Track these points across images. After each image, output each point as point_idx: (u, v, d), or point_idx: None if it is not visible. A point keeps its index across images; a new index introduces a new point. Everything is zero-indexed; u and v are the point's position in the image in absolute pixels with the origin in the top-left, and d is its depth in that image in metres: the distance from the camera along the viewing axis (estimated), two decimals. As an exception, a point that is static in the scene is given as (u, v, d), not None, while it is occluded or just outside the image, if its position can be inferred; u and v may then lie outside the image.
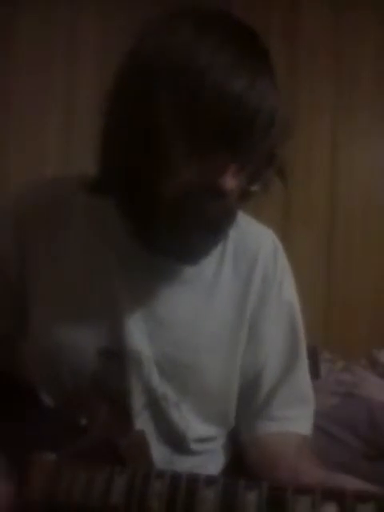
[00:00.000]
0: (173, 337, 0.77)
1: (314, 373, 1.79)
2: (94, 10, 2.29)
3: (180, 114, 0.60)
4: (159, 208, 0.66)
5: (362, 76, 2.39)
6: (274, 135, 0.64)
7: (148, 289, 0.77)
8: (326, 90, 2.40)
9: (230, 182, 0.63)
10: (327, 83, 2.39)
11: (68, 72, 2.27)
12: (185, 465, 0.80)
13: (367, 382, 1.72)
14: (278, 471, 0.76)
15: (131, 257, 0.76)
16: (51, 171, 2.18)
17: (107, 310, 0.75)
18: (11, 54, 2.20)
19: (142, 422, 0.77)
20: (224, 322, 0.80)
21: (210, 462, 0.85)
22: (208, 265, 0.79)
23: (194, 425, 0.80)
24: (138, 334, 0.75)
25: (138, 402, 0.76)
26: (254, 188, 0.68)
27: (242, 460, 0.84)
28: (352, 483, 0.60)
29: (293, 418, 0.83)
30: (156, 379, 0.77)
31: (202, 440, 0.82)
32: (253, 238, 0.84)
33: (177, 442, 0.80)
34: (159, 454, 0.76)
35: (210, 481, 0.52)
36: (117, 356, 0.75)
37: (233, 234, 0.79)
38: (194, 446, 0.81)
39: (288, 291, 0.85)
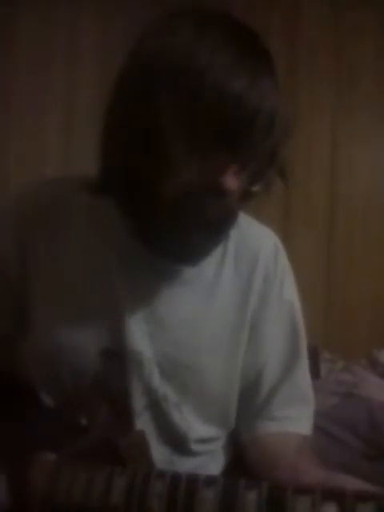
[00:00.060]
0: (173, 337, 0.77)
1: (314, 373, 1.79)
2: (93, 10, 2.29)
3: (180, 114, 0.60)
4: (159, 208, 0.66)
5: (361, 76, 2.39)
6: (274, 135, 0.64)
7: (149, 289, 0.77)
8: (325, 90, 2.40)
9: (231, 182, 0.63)
10: (327, 83, 2.39)
11: (68, 72, 2.27)
12: (185, 465, 0.80)
13: (367, 382, 1.72)
14: (278, 471, 0.76)
15: (132, 257, 0.76)
16: (51, 171, 2.18)
17: (108, 310, 0.75)
18: (11, 54, 2.20)
19: (143, 422, 0.77)
20: (225, 322, 0.80)
21: (211, 463, 0.85)
22: (209, 265, 0.79)
23: (194, 425, 0.80)
24: (138, 334, 0.75)
25: (138, 402, 0.76)
26: (255, 188, 0.68)
27: (243, 460, 0.84)
28: (352, 483, 0.60)
29: (293, 418, 0.83)
30: (157, 380, 0.77)
31: (202, 441, 0.82)
32: (254, 238, 0.84)
33: (177, 442, 0.80)
34: (160, 454, 0.76)
35: (209, 481, 0.52)
36: (117, 356, 0.75)
37: (234, 234, 0.79)
38: (194, 447, 0.81)
39: (289, 291, 0.85)
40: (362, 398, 1.59)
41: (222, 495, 0.50)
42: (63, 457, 0.65)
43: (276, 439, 0.81)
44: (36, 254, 0.76)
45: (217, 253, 0.78)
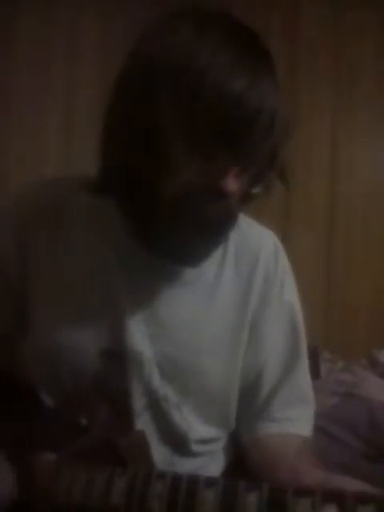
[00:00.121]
0: (174, 338, 0.77)
1: (314, 373, 1.79)
2: (94, 10, 2.29)
3: (180, 114, 0.60)
4: (159, 208, 0.66)
5: (361, 76, 2.39)
6: (274, 135, 0.64)
7: (149, 290, 0.77)
8: (325, 90, 2.40)
9: (232, 184, 0.63)
10: (327, 83, 2.39)
11: (68, 72, 2.27)
12: (186, 466, 0.80)
13: (367, 382, 1.72)
14: (278, 472, 0.76)
15: (131, 257, 0.76)
16: (51, 171, 2.18)
17: (108, 310, 0.75)
18: (11, 54, 2.20)
19: (143, 422, 0.77)
20: (225, 323, 0.80)
21: (211, 464, 0.85)
22: (209, 266, 0.79)
23: (195, 426, 0.80)
24: (138, 334, 0.75)
25: (138, 402, 0.76)
26: (255, 190, 0.68)
27: (243, 461, 0.84)
28: (352, 484, 0.60)
29: (293, 419, 0.83)
30: (157, 380, 0.77)
31: (203, 441, 0.82)
32: (254, 239, 0.84)
33: (178, 443, 0.80)
34: (160, 454, 0.75)
35: (210, 482, 0.52)
36: (117, 356, 0.75)
37: (234, 235, 0.79)
38: (194, 448, 0.81)
39: (289, 292, 0.85)
40: (362, 397, 1.59)
41: (222, 496, 0.50)
42: (63, 457, 0.65)
43: (276, 440, 0.81)
44: (36, 254, 0.76)
45: (217, 254, 0.78)
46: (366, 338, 2.28)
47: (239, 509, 0.49)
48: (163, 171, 0.63)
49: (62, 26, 2.27)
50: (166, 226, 0.67)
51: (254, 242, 0.84)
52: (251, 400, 0.83)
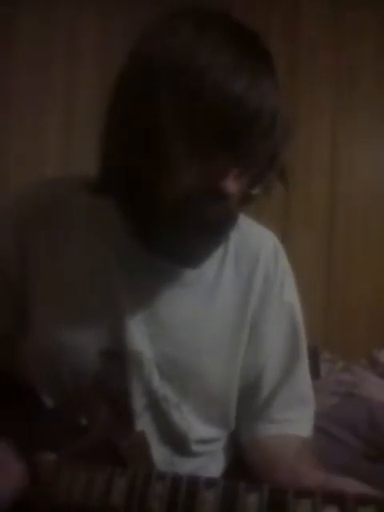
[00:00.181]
0: (174, 338, 0.77)
1: (314, 373, 1.79)
2: (94, 10, 2.29)
3: (180, 115, 0.60)
4: (159, 209, 0.65)
5: (361, 76, 2.39)
6: (275, 136, 0.64)
7: (149, 290, 0.77)
8: (326, 90, 2.40)
9: (232, 185, 0.63)
10: (327, 83, 2.39)
11: (68, 72, 2.27)
12: (186, 466, 0.80)
13: (367, 382, 1.72)
14: (277, 473, 0.76)
15: (131, 257, 0.76)
16: (51, 171, 2.18)
17: (108, 310, 0.75)
18: (11, 54, 2.20)
19: (143, 423, 0.77)
20: (225, 323, 0.80)
21: (211, 464, 0.85)
22: (209, 267, 0.79)
23: (195, 426, 0.80)
24: (138, 335, 0.75)
25: (138, 403, 0.76)
26: (255, 191, 0.68)
27: (243, 462, 0.84)
28: (352, 485, 0.60)
29: (293, 420, 0.83)
30: (157, 380, 0.77)
31: (203, 441, 0.82)
32: (254, 239, 0.84)
33: (178, 443, 0.80)
34: (160, 455, 0.75)
35: (210, 483, 0.52)
36: (117, 357, 0.75)
37: (234, 235, 0.79)
38: (195, 448, 0.81)
39: (289, 292, 0.85)
40: (362, 397, 1.59)
41: (222, 497, 0.50)
42: (63, 457, 0.65)
43: (276, 442, 0.81)
44: (36, 254, 0.76)
45: (217, 254, 0.78)
46: (366, 338, 2.28)
47: (239, 510, 0.49)
48: (163, 172, 0.63)
49: (62, 26, 2.27)
50: (166, 226, 0.67)
51: (254, 242, 0.84)
52: (251, 401, 0.83)
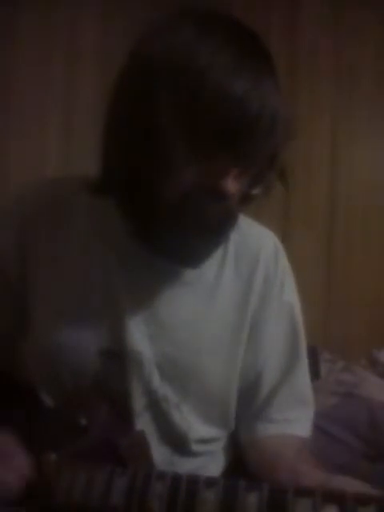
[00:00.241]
0: (174, 338, 0.77)
1: (314, 373, 1.79)
2: (94, 10, 2.29)
3: (180, 114, 0.60)
4: (159, 208, 0.66)
5: (361, 76, 2.39)
6: (275, 137, 0.64)
7: (149, 290, 0.77)
8: (326, 90, 2.39)
9: (232, 185, 0.63)
10: (327, 83, 2.39)
11: (68, 72, 2.26)
12: (186, 466, 0.80)
13: (367, 382, 1.72)
14: (277, 473, 0.76)
15: (132, 257, 0.76)
16: (51, 171, 2.17)
17: (108, 310, 0.75)
18: (11, 54, 2.20)
19: (143, 422, 0.77)
20: (225, 323, 0.80)
21: (211, 464, 0.85)
22: (209, 267, 0.79)
23: (195, 426, 0.80)
24: (138, 334, 0.75)
25: (138, 403, 0.76)
26: (256, 191, 0.68)
27: (243, 462, 0.84)
28: (352, 485, 0.60)
29: (292, 420, 0.83)
30: (157, 380, 0.77)
31: (203, 441, 0.82)
32: (254, 239, 0.84)
33: (178, 443, 0.80)
34: (160, 454, 0.76)
35: (210, 482, 0.52)
36: (117, 357, 0.75)
37: (234, 236, 0.79)
38: (194, 448, 0.81)
39: (289, 292, 0.85)
40: (362, 397, 1.59)
41: (222, 496, 0.50)
42: (63, 457, 0.65)
43: (275, 441, 0.81)
44: (36, 254, 0.76)
45: (217, 254, 0.78)
46: (366, 338, 2.28)
47: (239, 509, 0.49)
48: (163, 171, 0.63)
49: (62, 26, 2.27)
50: (166, 226, 0.67)
51: (254, 242, 0.84)
52: (250, 400, 0.83)
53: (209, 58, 0.59)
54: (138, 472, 0.57)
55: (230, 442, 0.87)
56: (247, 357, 0.81)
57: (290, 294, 0.85)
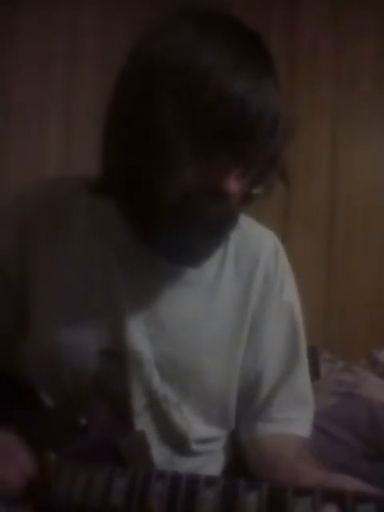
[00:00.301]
0: (174, 338, 0.77)
1: (314, 373, 1.78)
2: (94, 10, 2.29)
3: (182, 114, 0.60)
4: (160, 208, 0.65)
5: (362, 76, 2.39)
6: (276, 137, 0.64)
7: (149, 290, 0.77)
8: (325, 90, 2.39)
9: (233, 184, 0.63)
10: (327, 83, 2.39)
11: (68, 72, 2.26)
12: (185, 465, 0.80)
13: (367, 382, 1.72)
14: (277, 472, 0.76)
15: (132, 257, 0.76)
16: (51, 171, 2.17)
17: (108, 310, 0.75)
18: (11, 54, 2.20)
19: (143, 422, 0.77)
20: (225, 323, 0.80)
21: (211, 463, 0.85)
22: (209, 266, 0.79)
23: (194, 426, 0.80)
24: (138, 334, 0.75)
25: (138, 402, 0.76)
26: (256, 191, 0.68)
27: (243, 461, 0.84)
28: (352, 484, 0.60)
29: (292, 420, 0.83)
30: (157, 380, 0.77)
31: (203, 441, 0.82)
32: (254, 239, 0.84)
33: (178, 442, 0.80)
34: (160, 454, 0.76)
35: (210, 481, 0.52)
36: (117, 356, 0.75)
37: (234, 235, 0.79)
38: (194, 447, 0.81)
39: (289, 292, 0.85)
40: (362, 397, 1.59)
41: (222, 496, 0.50)
42: (63, 457, 0.65)
43: (275, 441, 0.81)
44: (36, 254, 0.76)
45: (217, 254, 0.78)
46: (366, 338, 2.28)
47: (239, 508, 0.49)
48: (164, 171, 0.63)
49: (62, 26, 2.27)
50: (167, 226, 0.67)
51: (254, 242, 0.84)
52: (250, 400, 0.83)
53: (210, 58, 0.59)
54: (137, 472, 0.57)
55: (230, 441, 0.87)
56: (247, 357, 0.81)
57: (290, 294, 0.85)
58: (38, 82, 2.21)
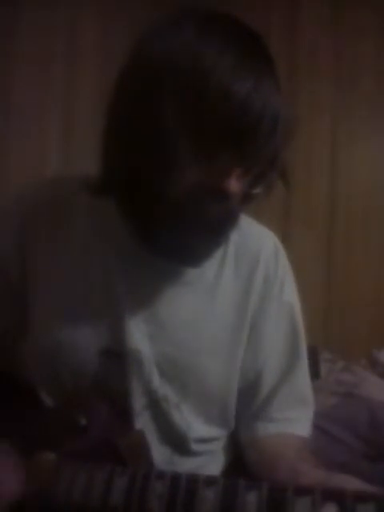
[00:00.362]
0: (174, 338, 0.77)
1: (314, 373, 1.79)
2: (94, 10, 2.29)
3: (184, 114, 0.60)
4: (161, 208, 0.65)
5: (362, 76, 2.39)
6: (277, 137, 0.64)
7: (149, 289, 0.77)
8: (326, 90, 2.39)
9: (233, 185, 0.63)
10: (327, 83, 2.39)
11: (68, 72, 2.26)
12: (185, 465, 0.80)
13: (367, 381, 1.72)
14: (277, 472, 0.76)
15: (132, 257, 0.76)
16: (51, 171, 2.17)
17: (108, 310, 0.75)
18: (11, 54, 2.20)
19: (143, 422, 0.77)
20: (225, 323, 0.80)
21: (211, 463, 0.85)
22: (210, 266, 0.79)
23: (194, 426, 0.80)
24: (138, 334, 0.75)
25: (138, 402, 0.76)
26: (257, 191, 0.68)
27: (243, 461, 0.84)
28: (352, 483, 0.60)
29: (292, 420, 0.83)
30: (156, 380, 0.77)
31: (202, 441, 0.82)
32: (254, 239, 0.84)
33: (178, 442, 0.80)
34: (160, 454, 0.76)
35: (209, 481, 0.52)
36: (117, 356, 0.75)
37: (234, 235, 0.79)
38: (194, 447, 0.81)
39: (289, 292, 0.85)
40: (362, 397, 1.59)
41: (222, 495, 0.50)
42: (63, 457, 0.65)
43: (275, 441, 0.81)
44: (36, 254, 0.76)
45: (217, 254, 0.78)
46: (366, 338, 2.28)
47: (239, 508, 0.49)
48: (165, 171, 0.63)
49: (62, 26, 2.27)
50: (167, 225, 0.67)
51: (254, 242, 0.84)
52: (250, 400, 0.83)
53: (210, 58, 0.59)
54: (137, 471, 0.57)
55: (230, 441, 0.87)
56: (247, 357, 0.81)
57: (290, 294, 0.85)
58: (38, 82, 2.21)
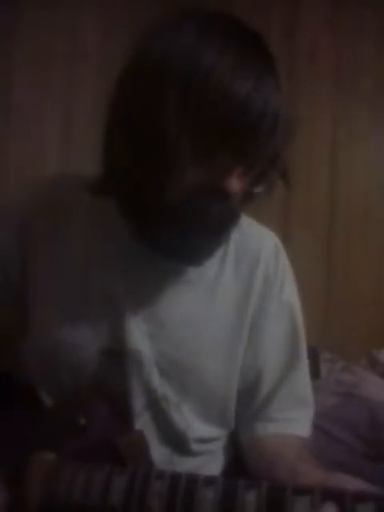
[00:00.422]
0: (174, 337, 0.77)
1: (314, 373, 1.79)
2: (94, 10, 2.29)
3: (183, 114, 0.60)
4: (161, 208, 0.65)
5: (361, 76, 2.39)
6: (277, 136, 0.64)
7: (149, 289, 0.77)
8: (326, 90, 2.39)
9: (234, 184, 0.63)
10: (327, 83, 2.39)
11: (68, 72, 2.26)
12: (185, 465, 0.80)
13: (367, 381, 1.72)
14: (276, 472, 0.76)
15: (132, 256, 0.76)
16: (51, 171, 2.17)
17: (108, 309, 0.75)
18: (11, 54, 2.20)
19: (143, 422, 0.77)
20: (225, 323, 0.80)
21: (211, 463, 0.85)
22: (210, 266, 0.79)
23: (194, 425, 0.80)
24: (138, 334, 0.75)
25: (138, 402, 0.76)
26: (257, 190, 0.68)
27: (243, 461, 0.84)
28: (351, 483, 0.60)
29: (292, 420, 0.83)
30: (156, 380, 0.77)
31: (202, 440, 0.82)
32: (254, 239, 0.84)
33: (177, 442, 0.80)
34: (160, 454, 0.76)
35: (209, 481, 0.52)
36: (117, 356, 0.75)
37: (235, 235, 0.79)
38: (194, 447, 0.81)
39: (289, 292, 0.85)
40: (362, 397, 1.59)
41: (221, 495, 0.50)
42: (63, 457, 0.65)
43: (275, 441, 0.81)
44: (36, 254, 0.76)
45: (218, 253, 0.78)
46: (366, 338, 2.28)
47: (238, 507, 0.49)
48: (166, 171, 0.63)
49: (62, 26, 2.27)
50: (168, 225, 0.67)
51: (254, 241, 0.84)
52: (250, 400, 0.83)
53: (211, 58, 0.59)
54: (137, 471, 0.57)
55: (230, 441, 0.87)
56: (247, 356, 0.81)
57: (290, 294, 0.85)
58: (37, 82, 2.21)
